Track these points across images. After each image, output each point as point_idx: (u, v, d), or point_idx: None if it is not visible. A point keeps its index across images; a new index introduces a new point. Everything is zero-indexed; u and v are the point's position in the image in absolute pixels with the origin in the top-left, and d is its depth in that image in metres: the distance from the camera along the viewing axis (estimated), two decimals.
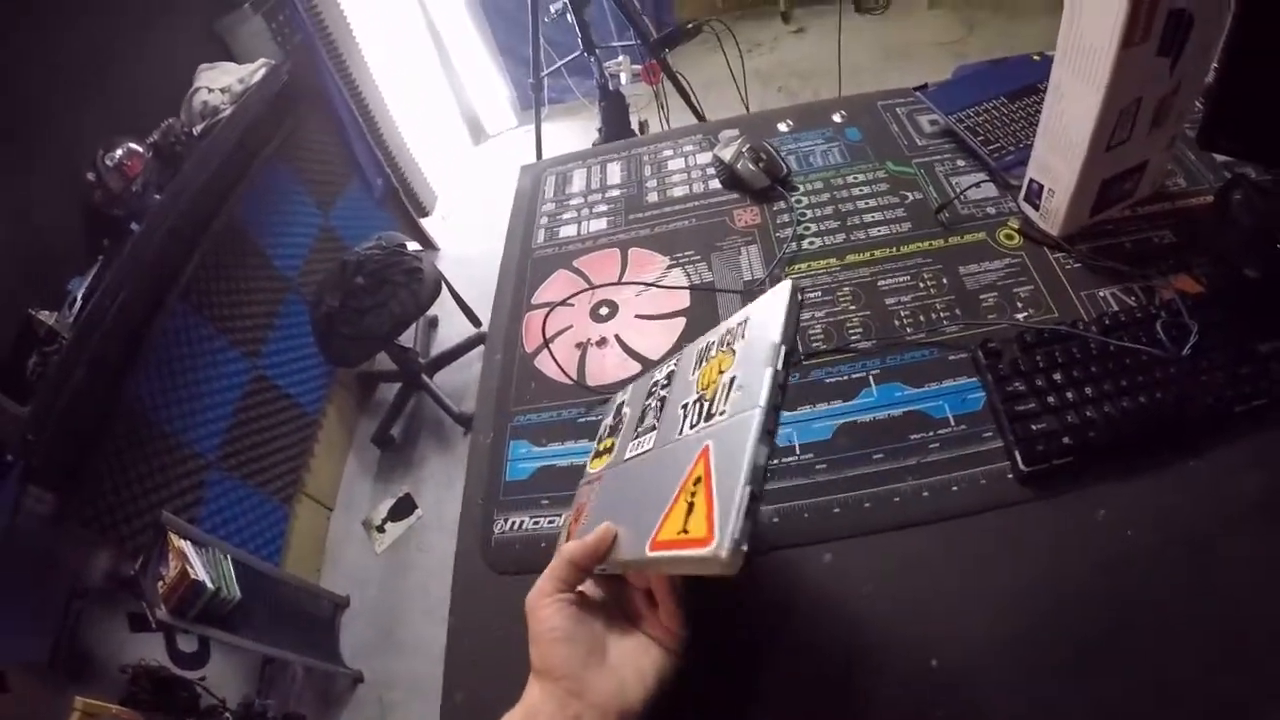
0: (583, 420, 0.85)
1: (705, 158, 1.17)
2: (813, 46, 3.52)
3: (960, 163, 1.03)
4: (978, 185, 0.98)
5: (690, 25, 2.22)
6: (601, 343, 0.93)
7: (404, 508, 2.32)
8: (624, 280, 1.01)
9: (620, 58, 2.33)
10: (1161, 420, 0.68)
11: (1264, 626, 0.59)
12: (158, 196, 1.81)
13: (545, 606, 0.56)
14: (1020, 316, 0.82)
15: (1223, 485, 0.66)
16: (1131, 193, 0.89)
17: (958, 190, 0.98)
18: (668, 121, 2.53)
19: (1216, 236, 0.83)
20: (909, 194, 1.01)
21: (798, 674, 0.63)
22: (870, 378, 0.81)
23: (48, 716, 1.32)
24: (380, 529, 2.29)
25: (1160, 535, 0.64)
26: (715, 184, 1.12)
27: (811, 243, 0.98)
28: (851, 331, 0.86)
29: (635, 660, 0.55)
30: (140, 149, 1.81)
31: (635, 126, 2.42)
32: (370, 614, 2.13)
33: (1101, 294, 0.83)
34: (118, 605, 1.55)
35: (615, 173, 1.20)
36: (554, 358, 0.90)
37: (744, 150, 1.07)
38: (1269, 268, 0.76)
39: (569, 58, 2.41)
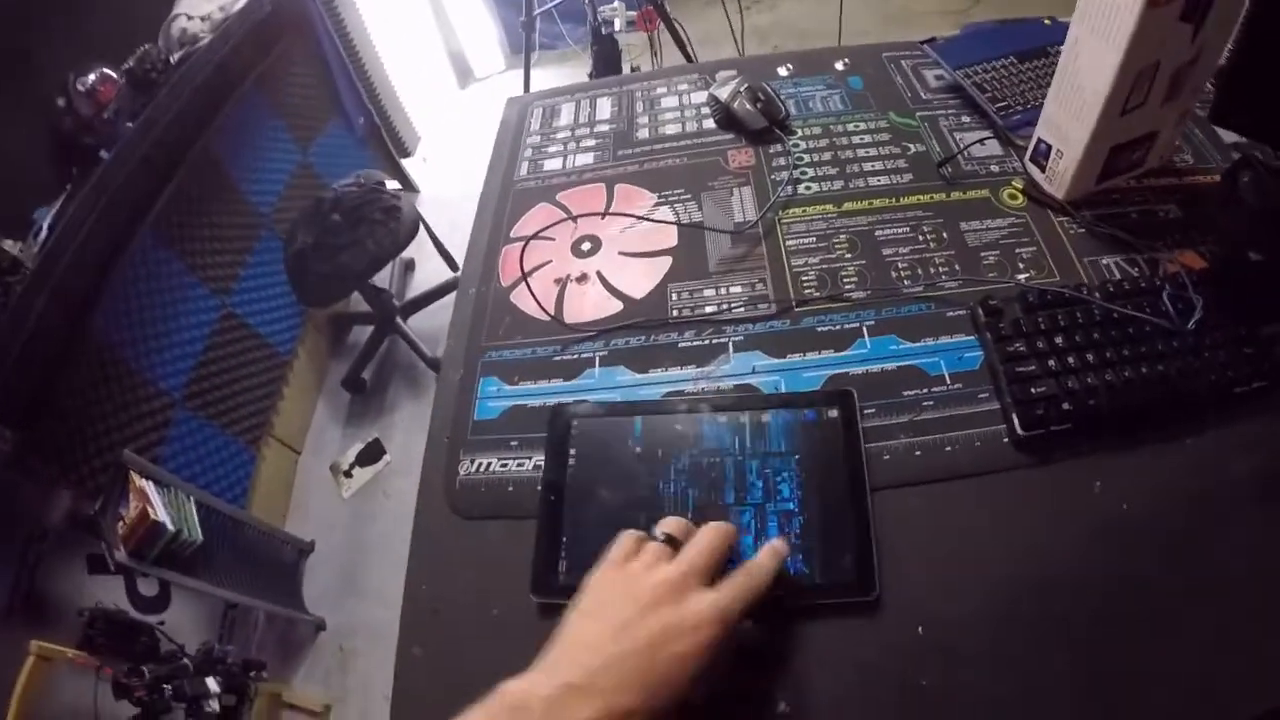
0: (558, 358, 0.81)
1: (700, 97, 1.12)
2: (813, 5, 3.44)
3: (965, 118, 1.00)
4: (982, 142, 0.95)
5: None
6: (582, 279, 0.89)
7: (373, 453, 2.28)
8: (611, 211, 0.96)
9: (615, 2, 2.26)
10: (1163, 393, 0.66)
11: (1257, 606, 0.57)
12: (130, 125, 1.74)
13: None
14: (1022, 277, 0.80)
15: (1220, 465, 0.65)
16: (1140, 163, 0.87)
17: (961, 146, 0.95)
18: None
19: (1223, 215, 0.82)
20: (911, 146, 0.97)
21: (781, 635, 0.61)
22: (864, 329, 0.78)
23: (2, 661, 1.27)
24: (348, 474, 2.25)
25: (1156, 511, 0.62)
26: (710, 123, 1.07)
27: (808, 187, 0.94)
28: (846, 280, 0.83)
29: None
30: (114, 75, 1.73)
31: (627, 71, 2.36)
32: (335, 560, 2.10)
33: (1105, 261, 0.80)
34: (76, 547, 1.50)
35: (605, 108, 1.15)
36: (531, 292, 0.85)
37: (742, 90, 1.02)
38: (1274, 250, 0.75)
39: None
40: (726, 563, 0.56)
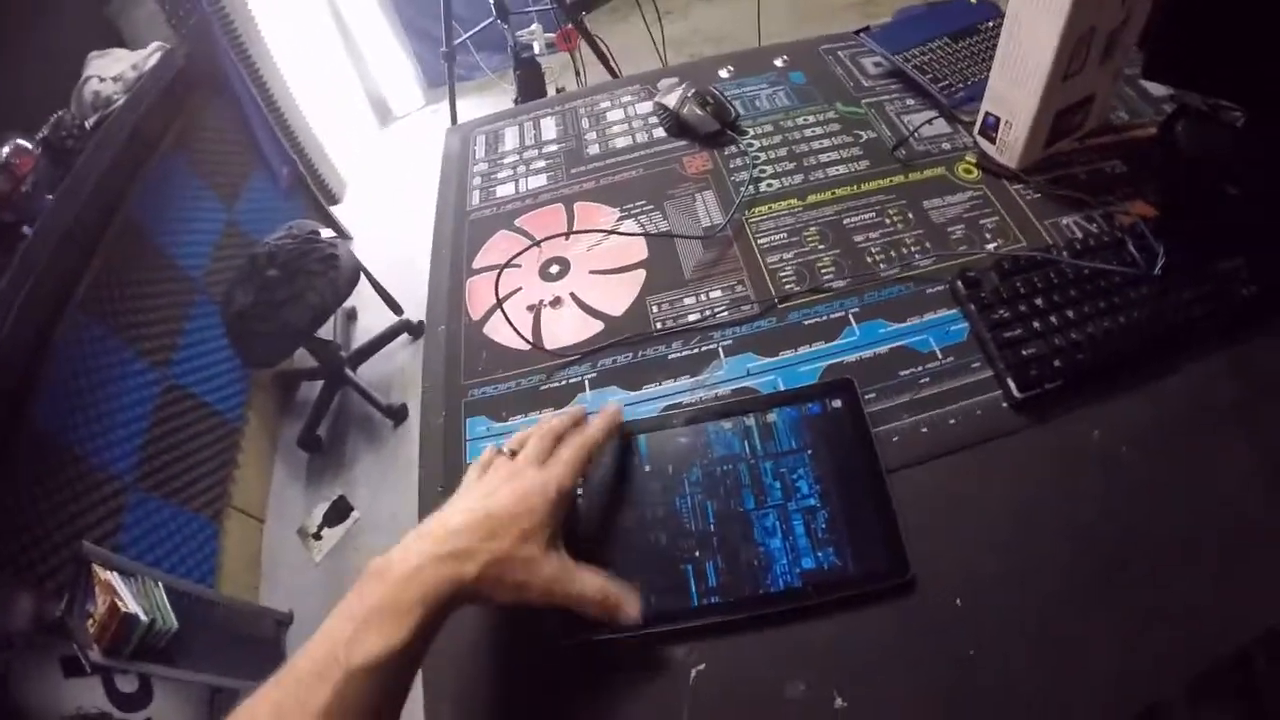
0: (545, 387, 0.79)
1: (645, 107, 1.11)
2: (724, 11, 3.49)
3: (910, 101, 1.02)
4: (930, 122, 0.98)
5: None
6: (556, 302, 0.87)
7: (339, 511, 2.21)
8: (573, 231, 0.95)
9: (533, 25, 2.25)
10: (1141, 338, 0.69)
11: (1260, 526, 0.60)
12: (49, 197, 1.66)
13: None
14: (991, 246, 0.82)
15: (1202, 396, 0.68)
16: (1081, 125, 0.90)
17: (910, 128, 0.97)
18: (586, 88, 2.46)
19: (1164, 165, 0.86)
20: (862, 133, 0.99)
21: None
22: (850, 316, 0.78)
23: None
24: (317, 536, 2.18)
25: (1152, 450, 0.65)
26: (660, 132, 1.06)
27: (770, 184, 0.94)
28: (824, 271, 0.83)
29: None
30: (29, 145, 1.65)
31: (552, 93, 2.35)
32: (315, 628, 2.01)
33: (1064, 222, 0.83)
34: (47, 652, 1.41)
35: (550, 127, 1.13)
36: (509, 320, 0.82)
37: (689, 95, 1.02)
38: (1216, 191, 0.80)
39: (479, 27, 2.32)
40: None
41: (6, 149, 1.60)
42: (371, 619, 0.48)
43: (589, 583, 0.56)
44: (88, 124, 1.82)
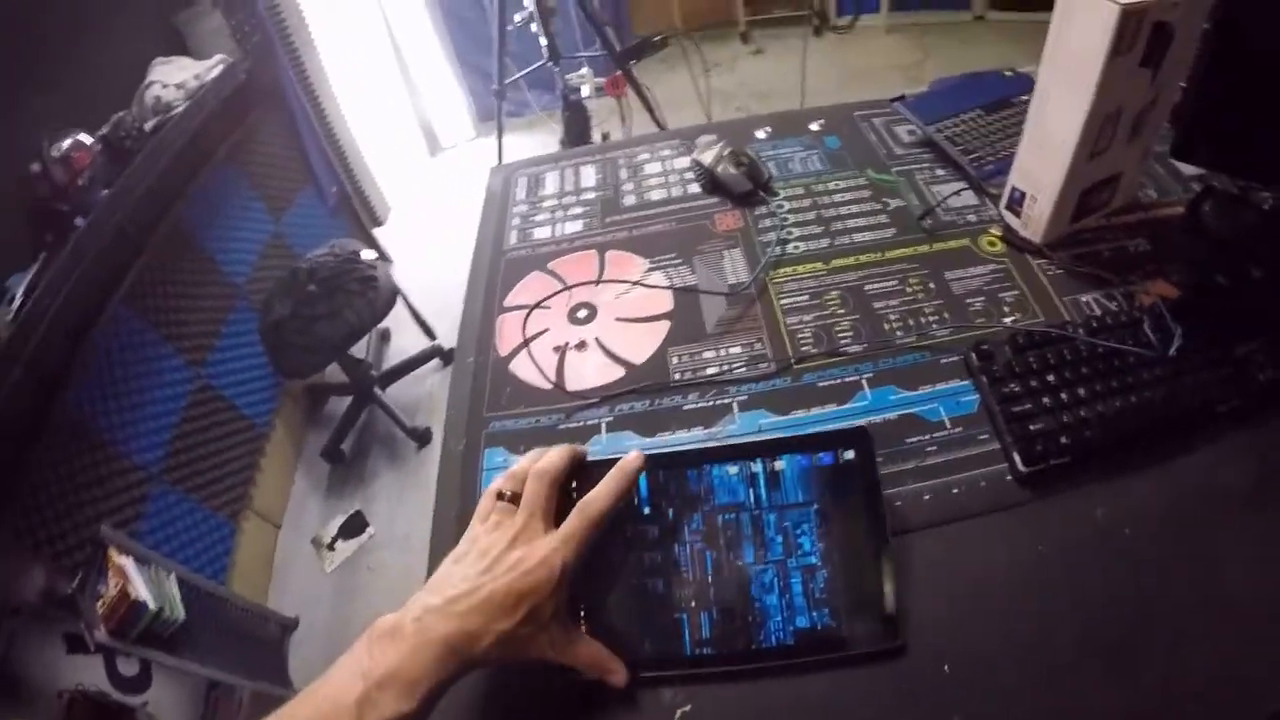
0: (563, 426, 0.81)
1: (683, 162, 1.15)
2: (771, 67, 3.56)
3: (940, 171, 1.04)
4: (958, 193, 0.99)
5: (657, 39, 2.22)
6: (581, 346, 0.89)
7: (355, 525, 2.24)
8: (604, 278, 0.98)
9: (584, 70, 2.32)
10: (1152, 419, 0.69)
11: (1266, 611, 0.60)
12: (105, 192, 1.73)
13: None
14: (1008, 320, 0.83)
15: (1211, 481, 0.67)
16: (1107, 202, 0.91)
17: (938, 198, 0.99)
18: (630, 134, 2.52)
19: (1190, 244, 0.86)
20: (890, 201, 1.01)
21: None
22: (863, 381, 0.79)
23: None
24: (330, 547, 2.21)
25: (1157, 531, 0.65)
26: (694, 188, 1.10)
27: (796, 247, 0.97)
28: (841, 335, 0.85)
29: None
30: (89, 141, 1.73)
31: (597, 138, 2.40)
32: (320, 636, 2.04)
33: (1084, 299, 0.84)
34: (53, 626, 1.44)
35: (590, 175, 1.17)
36: (534, 360, 0.85)
37: (724, 154, 1.05)
38: (1240, 273, 0.80)
39: (530, 68, 2.38)
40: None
41: (67, 142, 1.68)
42: (386, 683, 0.50)
43: (583, 654, 0.58)
44: (147, 126, 1.91)
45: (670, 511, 0.65)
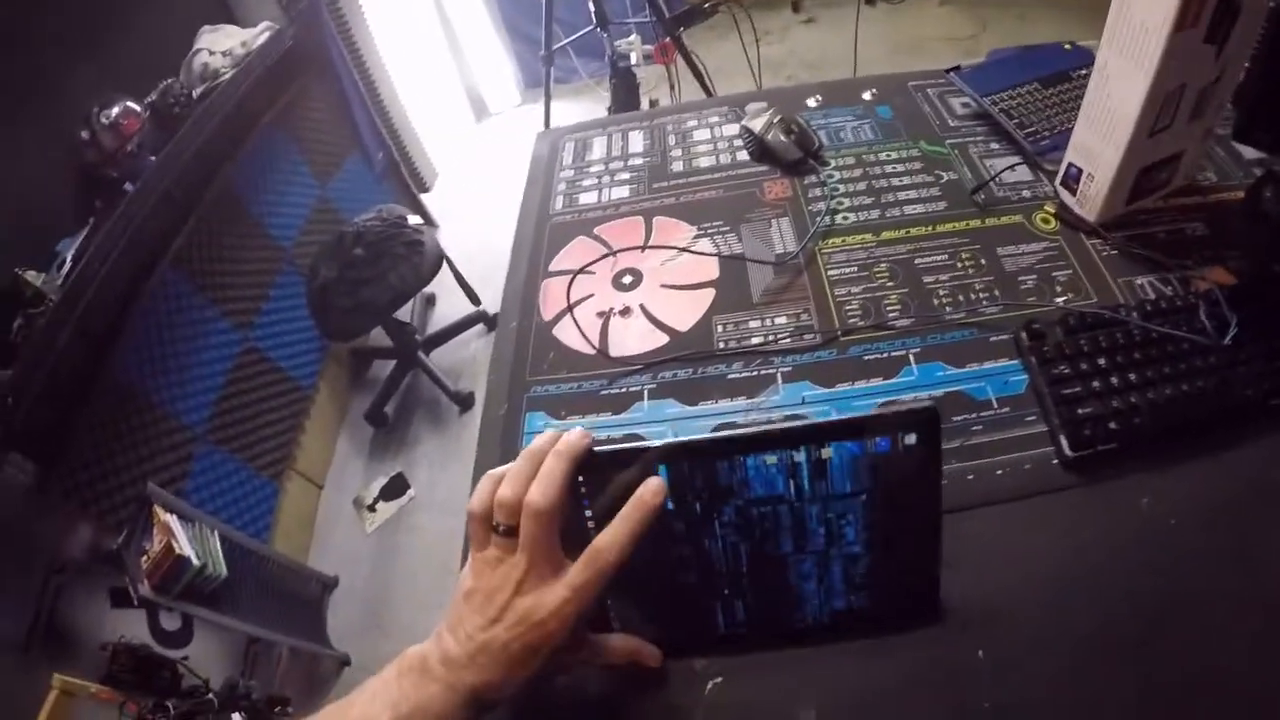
0: (605, 392, 0.82)
1: (732, 129, 1.14)
2: (822, 37, 3.50)
3: (994, 145, 1.02)
4: (1012, 168, 0.97)
5: (707, 5, 2.19)
6: (625, 312, 0.89)
7: (396, 487, 2.27)
8: (650, 244, 0.97)
9: (632, 36, 2.30)
10: (1204, 409, 0.67)
11: None
12: (153, 158, 1.77)
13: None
14: (1059, 300, 0.81)
15: (1262, 476, 0.65)
16: (1166, 183, 0.88)
17: (992, 172, 0.96)
18: (679, 102, 2.49)
19: (1249, 231, 0.83)
20: (943, 174, 0.99)
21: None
22: (910, 356, 0.78)
23: (24, 695, 1.26)
24: (371, 508, 2.25)
25: (1202, 525, 0.63)
26: (743, 155, 1.09)
27: (845, 218, 0.96)
28: (889, 308, 0.83)
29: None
30: (137, 108, 1.76)
31: (645, 106, 2.39)
32: (359, 595, 2.09)
33: (1139, 281, 0.81)
34: (98, 580, 1.49)
35: (637, 141, 1.16)
36: (578, 325, 0.86)
37: (774, 122, 1.04)
38: None
39: (579, 34, 2.37)
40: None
41: (116, 109, 1.71)
42: (415, 715, 0.51)
43: (612, 649, 0.59)
44: (195, 93, 1.94)
45: (698, 506, 0.57)
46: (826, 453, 0.54)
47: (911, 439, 0.54)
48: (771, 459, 0.55)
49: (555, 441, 0.55)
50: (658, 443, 0.55)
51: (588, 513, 0.56)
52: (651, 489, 0.53)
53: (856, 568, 0.59)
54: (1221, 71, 0.77)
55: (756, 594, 0.60)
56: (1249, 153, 0.93)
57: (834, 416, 0.73)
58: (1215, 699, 0.55)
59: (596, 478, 0.55)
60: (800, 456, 0.54)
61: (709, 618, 0.61)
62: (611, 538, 0.52)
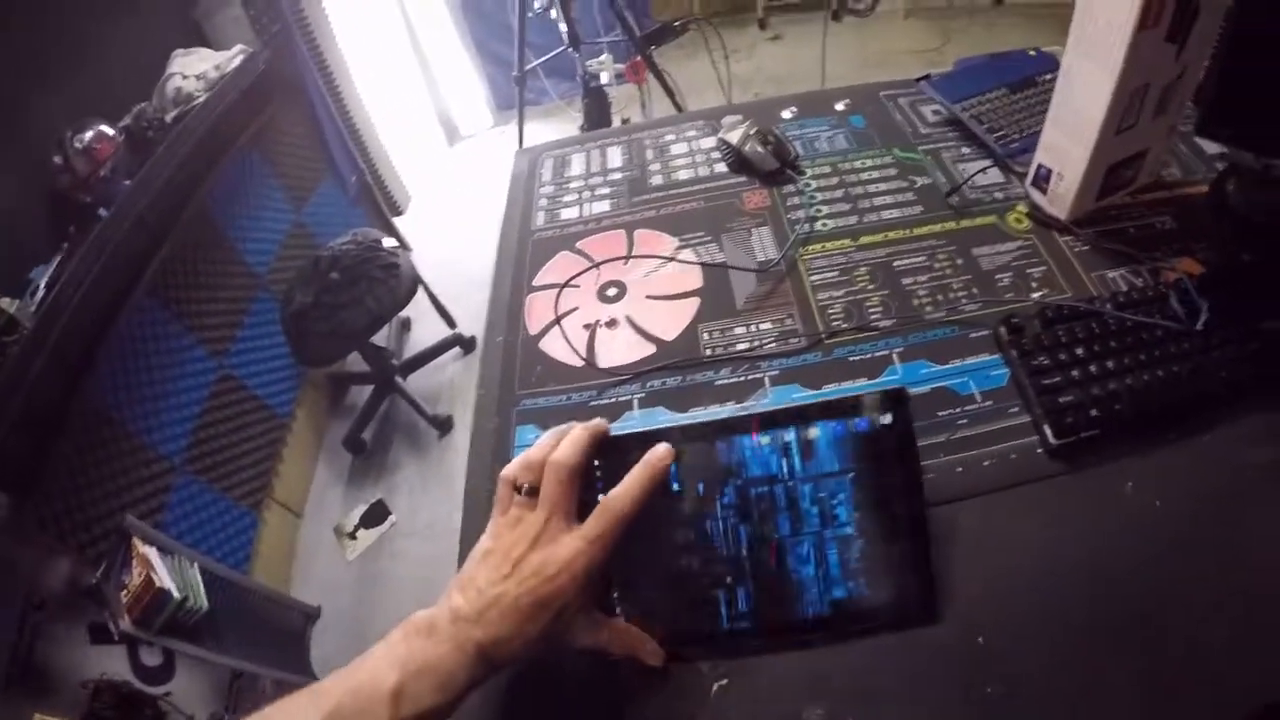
0: (594, 403, 0.82)
1: (708, 142, 1.15)
2: (789, 53, 3.55)
3: (965, 150, 1.04)
4: (984, 171, 0.99)
5: (678, 24, 2.21)
6: (612, 323, 0.90)
7: (376, 514, 2.25)
8: (633, 256, 0.98)
9: (604, 55, 2.31)
10: (1181, 392, 0.69)
11: None
12: (127, 183, 1.75)
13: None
14: (1036, 295, 0.83)
15: (1238, 456, 0.67)
16: (1133, 180, 0.91)
17: (965, 176, 0.99)
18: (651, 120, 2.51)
19: (1214, 222, 0.86)
20: (917, 179, 1.01)
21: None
22: (894, 355, 0.80)
23: None
24: (352, 536, 2.23)
25: (1186, 506, 0.65)
26: (721, 167, 1.10)
27: (824, 224, 0.97)
28: (871, 310, 0.85)
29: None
30: (111, 132, 1.75)
31: (617, 124, 2.40)
32: (342, 625, 2.06)
33: (1111, 275, 0.84)
34: (78, 616, 1.45)
35: (616, 156, 1.17)
36: (566, 337, 0.86)
37: (751, 134, 1.05)
38: (1264, 251, 0.80)
39: (550, 54, 2.38)
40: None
41: (89, 134, 1.69)
42: (422, 675, 0.51)
43: (614, 638, 0.59)
44: (168, 117, 1.93)
45: (700, 486, 0.62)
46: (814, 432, 0.62)
47: (887, 418, 0.61)
48: (765, 440, 0.62)
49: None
50: (664, 426, 0.65)
51: (600, 496, 0.59)
52: (659, 453, 0.60)
53: (851, 551, 0.61)
54: (1183, 70, 0.80)
55: (758, 581, 0.62)
56: (1210, 147, 0.97)
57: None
58: (1203, 680, 0.56)
59: (611, 461, 0.61)
60: (790, 436, 0.62)
61: (712, 609, 0.62)
62: (623, 490, 0.57)
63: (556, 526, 0.56)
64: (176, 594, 1.50)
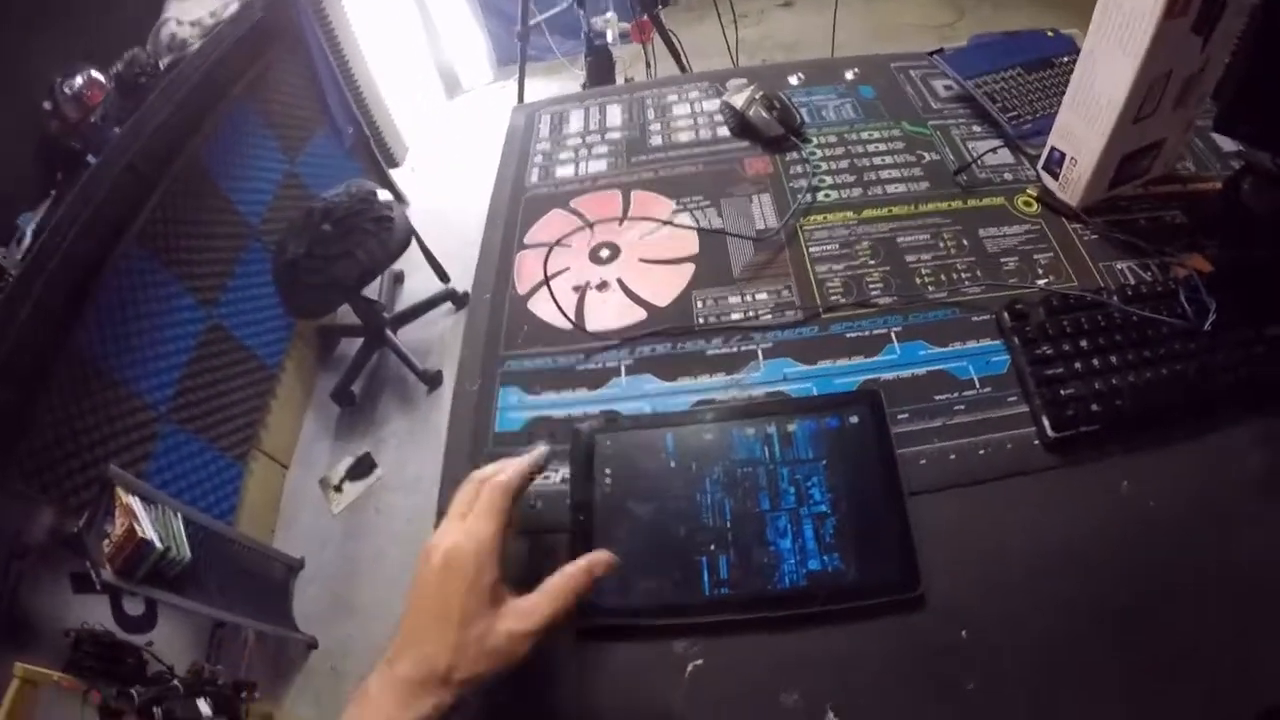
0: (581, 367, 0.80)
1: (712, 105, 1.12)
2: (800, 20, 3.49)
3: (976, 128, 1.02)
4: (994, 151, 0.96)
5: None
6: (603, 286, 0.87)
7: (363, 467, 2.24)
8: (628, 218, 0.96)
9: (609, 13, 2.26)
10: (1184, 392, 0.68)
11: None
12: (117, 130, 1.70)
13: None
14: (1041, 282, 0.81)
15: (1239, 460, 0.66)
16: (1147, 170, 0.89)
17: (974, 154, 0.96)
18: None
19: (1227, 220, 0.84)
20: (925, 154, 0.98)
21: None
22: (893, 334, 0.78)
23: None
24: (338, 489, 2.21)
25: (1180, 508, 0.64)
26: (724, 131, 1.07)
27: (827, 195, 0.94)
28: (872, 286, 0.83)
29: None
30: (102, 78, 1.70)
31: (621, 83, 2.36)
32: (326, 577, 2.06)
33: (1119, 266, 0.82)
34: (60, 565, 1.44)
35: (616, 115, 1.14)
36: (554, 298, 0.84)
37: (756, 98, 1.02)
38: (1277, 252, 0.78)
39: (554, 10, 2.34)
40: None
41: (80, 79, 1.65)
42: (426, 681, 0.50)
43: (547, 604, 0.54)
44: (162, 64, 1.88)
45: (693, 465, 0.68)
46: (791, 426, 0.69)
47: (855, 418, 0.69)
48: (750, 430, 0.70)
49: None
50: (672, 411, 0.74)
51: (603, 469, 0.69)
52: (543, 449, 0.64)
53: (825, 527, 0.64)
54: (1206, 62, 0.78)
55: (739, 550, 0.64)
56: (1227, 144, 0.94)
57: (813, 394, 0.74)
58: (1192, 679, 0.56)
59: (615, 448, 0.70)
60: (772, 428, 0.69)
61: (695, 576, 0.63)
62: (507, 470, 0.59)
63: (453, 525, 0.56)
64: (159, 544, 1.49)
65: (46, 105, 1.62)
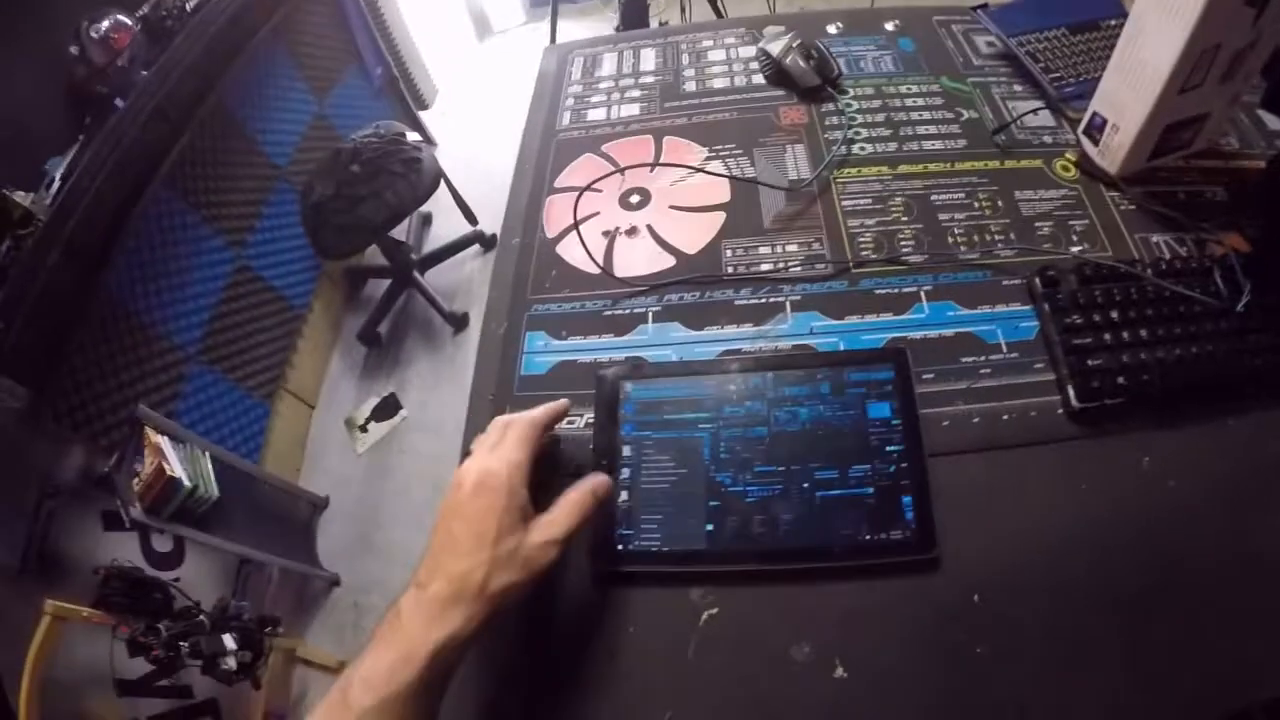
0: (608, 313, 0.80)
1: (748, 52, 1.10)
2: None
3: (1017, 87, 0.99)
4: (1035, 112, 0.94)
5: None
6: (632, 231, 0.87)
7: (388, 408, 2.27)
8: (660, 163, 0.95)
9: None
10: (1214, 372, 0.67)
11: None
12: (145, 73, 1.70)
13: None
14: (1075, 250, 0.79)
15: (1260, 446, 0.65)
16: (1189, 143, 0.86)
17: (1014, 114, 0.94)
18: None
19: (1268, 201, 0.81)
20: (964, 111, 0.96)
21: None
22: (922, 293, 0.77)
23: (17, 620, 1.26)
24: (363, 429, 2.25)
25: (1201, 489, 0.63)
26: (759, 79, 1.05)
27: (862, 148, 0.93)
28: (903, 243, 0.82)
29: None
30: (129, 21, 1.69)
31: (654, 26, 2.31)
32: (349, 516, 2.10)
33: (1155, 239, 0.80)
34: (91, 504, 1.49)
35: (649, 59, 1.13)
36: (584, 242, 0.83)
37: (794, 46, 1.00)
38: None
39: None
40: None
41: (106, 23, 1.64)
42: (455, 598, 0.52)
43: (565, 517, 0.58)
44: (188, 6, 1.85)
45: (714, 414, 0.69)
46: (818, 379, 0.69)
47: (883, 373, 0.69)
48: (774, 380, 0.70)
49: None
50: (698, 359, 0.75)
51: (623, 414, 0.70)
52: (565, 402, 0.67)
53: (844, 483, 0.64)
54: (1258, 37, 0.75)
55: (757, 502, 0.64)
56: (1273, 123, 0.91)
57: (840, 349, 0.74)
58: (1197, 661, 0.56)
59: (638, 395, 0.71)
60: (797, 380, 0.70)
61: (712, 525, 0.64)
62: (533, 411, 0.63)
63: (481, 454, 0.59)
64: (187, 482, 1.53)
65: (73, 50, 1.62)
